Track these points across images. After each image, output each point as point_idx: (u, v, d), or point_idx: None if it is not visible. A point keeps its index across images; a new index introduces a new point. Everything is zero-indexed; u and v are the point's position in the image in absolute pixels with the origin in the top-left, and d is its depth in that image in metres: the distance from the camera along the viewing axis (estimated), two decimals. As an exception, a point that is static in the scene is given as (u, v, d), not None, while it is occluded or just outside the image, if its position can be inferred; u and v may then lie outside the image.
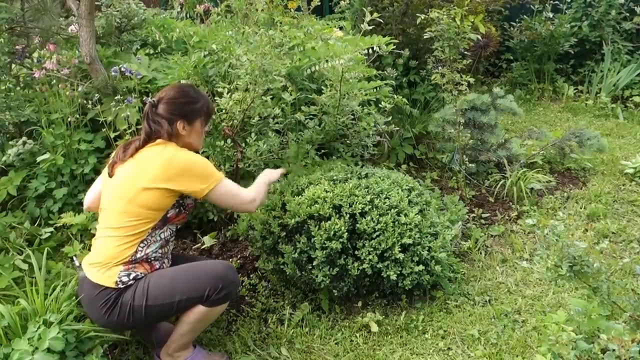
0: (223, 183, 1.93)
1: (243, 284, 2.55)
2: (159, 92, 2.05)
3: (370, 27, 2.71)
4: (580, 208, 3.27)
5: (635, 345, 1.67)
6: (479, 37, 3.14)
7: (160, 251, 1.92)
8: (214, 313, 1.89)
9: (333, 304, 2.38)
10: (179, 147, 1.97)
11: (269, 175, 2.18)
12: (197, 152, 2.23)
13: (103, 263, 1.84)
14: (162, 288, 1.82)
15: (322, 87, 2.82)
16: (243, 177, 2.88)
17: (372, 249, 2.23)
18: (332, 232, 2.20)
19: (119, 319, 1.81)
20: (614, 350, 1.71)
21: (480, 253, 2.80)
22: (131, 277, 1.82)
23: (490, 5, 5.08)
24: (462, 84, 3.13)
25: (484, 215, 3.18)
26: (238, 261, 2.72)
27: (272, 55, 2.53)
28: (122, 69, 2.82)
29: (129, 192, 1.85)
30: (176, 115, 1.96)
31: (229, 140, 2.70)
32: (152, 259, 1.89)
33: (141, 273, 1.85)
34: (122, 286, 1.81)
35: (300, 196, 2.34)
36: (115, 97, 2.76)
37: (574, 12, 5.90)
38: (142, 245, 1.85)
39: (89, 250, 2.01)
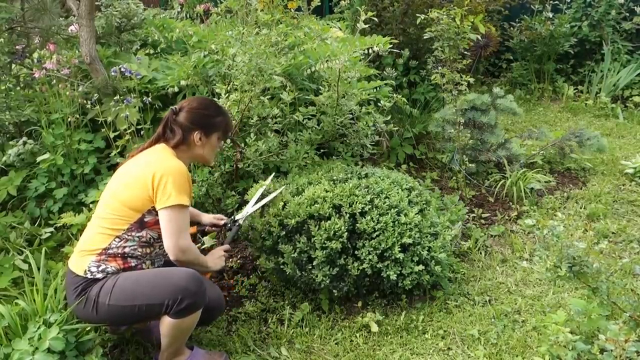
0: (182, 211, 1.84)
1: (243, 284, 2.55)
2: (182, 101, 2.10)
3: (367, 26, 2.71)
4: (580, 208, 3.27)
5: (631, 344, 1.67)
6: (479, 37, 3.15)
7: (140, 250, 1.90)
8: (184, 324, 1.80)
9: (333, 304, 2.38)
10: (186, 156, 2.03)
11: (211, 260, 2.05)
12: (208, 165, 2.32)
13: (79, 249, 1.89)
14: (125, 290, 1.79)
15: (320, 87, 2.82)
16: (242, 177, 2.88)
17: (372, 249, 2.23)
18: (332, 232, 2.20)
19: (85, 310, 1.82)
20: (611, 350, 1.71)
21: (480, 253, 2.80)
22: (100, 269, 1.82)
23: (490, 5, 5.08)
24: (462, 84, 3.13)
25: (484, 215, 3.18)
26: (238, 261, 2.73)
27: (267, 54, 2.53)
28: (122, 69, 2.82)
29: (116, 186, 1.93)
30: (195, 125, 2.01)
31: (228, 140, 2.70)
32: (129, 255, 1.87)
33: (112, 267, 1.84)
34: (90, 276, 1.82)
35: (300, 196, 2.34)
36: (115, 97, 2.76)
37: (573, 12, 5.90)
38: (117, 240, 1.85)
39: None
